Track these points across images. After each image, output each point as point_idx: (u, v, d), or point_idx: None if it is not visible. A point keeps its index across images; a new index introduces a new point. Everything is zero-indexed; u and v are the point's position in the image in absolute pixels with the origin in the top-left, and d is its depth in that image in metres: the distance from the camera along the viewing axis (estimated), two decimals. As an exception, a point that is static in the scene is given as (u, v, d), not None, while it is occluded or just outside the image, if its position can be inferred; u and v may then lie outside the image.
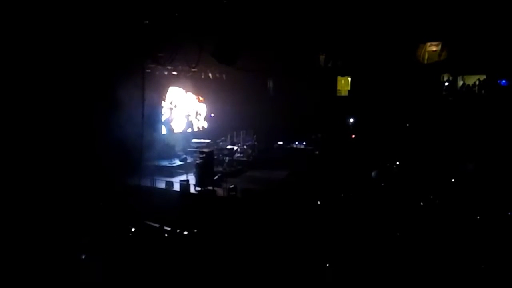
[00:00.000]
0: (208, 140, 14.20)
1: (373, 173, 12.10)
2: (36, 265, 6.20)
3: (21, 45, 9.02)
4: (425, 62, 16.50)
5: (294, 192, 10.94)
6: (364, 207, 9.24)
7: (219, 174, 12.30)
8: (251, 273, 6.37)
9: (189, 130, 16.15)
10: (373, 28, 14.91)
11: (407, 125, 16.31)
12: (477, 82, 16.54)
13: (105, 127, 10.89)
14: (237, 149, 14.69)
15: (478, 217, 8.21)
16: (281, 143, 16.71)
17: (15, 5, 8.52)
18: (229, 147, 14.30)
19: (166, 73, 14.15)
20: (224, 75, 16.90)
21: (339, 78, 18.96)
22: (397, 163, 13.01)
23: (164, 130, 14.78)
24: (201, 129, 16.75)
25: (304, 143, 16.79)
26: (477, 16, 13.84)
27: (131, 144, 11.63)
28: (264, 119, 16.98)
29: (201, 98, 16.79)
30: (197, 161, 11.78)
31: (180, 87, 15.51)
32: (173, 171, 12.92)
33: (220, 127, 16.79)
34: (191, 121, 16.28)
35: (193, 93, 16.35)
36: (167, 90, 14.98)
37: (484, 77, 16.40)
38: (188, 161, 13.72)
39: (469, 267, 6.48)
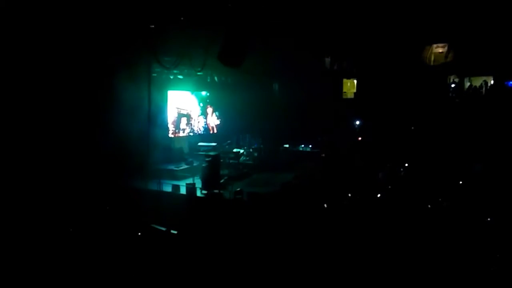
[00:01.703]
0: (214, 143, 14.21)
1: (380, 175, 12.03)
2: (39, 267, 6.22)
3: (33, 50, 9.14)
4: (432, 63, 16.44)
5: (300, 195, 10.89)
6: (371, 210, 9.18)
7: (225, 177, 12.29)
8: (257, 276, 6.34)
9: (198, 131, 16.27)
10: (379, 30, 14.87)
11: (412, 128, 16.20)
12: (484, 84, 16.43)
13: (111, 130, 10.95)
14: (243, 152, 14.69)
15: (488, 219, 8.13)
16: (287, 146, 16.67)
17: (29, 10, 8.62)
18: (235, 150, 14.31)
19: (172, 76, 14.19)
20: (229, 78, 16.93)
21: (344, 80, 18.93)
22: (406, 165, 12.91)
23: (170, 134, 14.83)
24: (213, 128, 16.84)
25: (310, 146, 16.74)
26: (483, 17, 13.75)
27: (137, 147, 11.68)
28: (270, 121, 16.97)
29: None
30: (203, 165, 11.78)
31: (185, 90, 15.60)
32: (179, 175, 12.94)
33: (226, 130, 16.82)
34: (196, 124, 16.36)
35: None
36: (173, 93, 15.04)
37: (490, 78, 16.30)
38: (194, 164, 13.73)
39: (478, 269, 6.41)
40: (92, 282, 6.08)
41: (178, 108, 15.29)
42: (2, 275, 5.97)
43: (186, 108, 15.80)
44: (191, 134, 16.13)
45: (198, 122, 16.57)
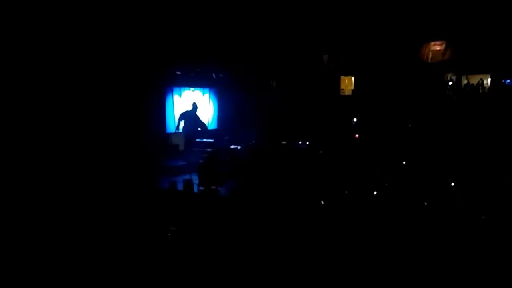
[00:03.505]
0: (211, 140, 14.19)
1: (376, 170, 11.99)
2: (38, 265, 6.21)
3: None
4: (429, 61, 16.45)
5: (297, 191, 10.90)
6: (368, 207, 9.20)
7: (222, 174, 12.27)
8: (254, 273, 6.35)
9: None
10: (377, 27, 14.88)
11: (409, 125, 16.23)
12: (481, 82, 16.46)
13: (108, 126, 10.93)
14: (240, 149, 14.66)
15: (483, 217, 8.16)
16: (284, 142, 16.66)
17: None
18: (232, 146, 14.29)
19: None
20: (227, 75, 16.88)
21: (342, 77, 18.91)
22: (403, 162, 12.95)
23: (167, 130, 14.80)
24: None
25: (307, 143, 16.73)
26: (481, 15, 13.78)
27: (134, 144, 11.67)
28: (267, 118, 16.96)
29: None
30: (200, 161, 11.79)
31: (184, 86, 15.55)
32: (176, 171, 12.93)
33: (224, 127, 16.80)
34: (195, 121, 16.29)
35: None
36: (170, 90, 14.99)
37: (487, 76, 16.33)
38: (191, 161, 13.70)
39: (475, 268, 6.43)
40: (90, 277, 6.08)
41: (176, 105, 15.24)
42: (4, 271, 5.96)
43: (184, 104, 15.73)
44: (190, 130, 16.05)
45: (196, 118, 16.50)
